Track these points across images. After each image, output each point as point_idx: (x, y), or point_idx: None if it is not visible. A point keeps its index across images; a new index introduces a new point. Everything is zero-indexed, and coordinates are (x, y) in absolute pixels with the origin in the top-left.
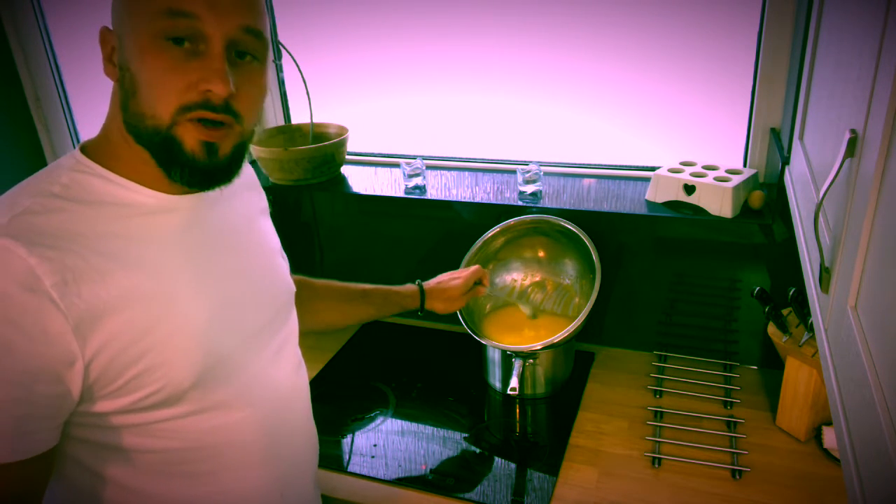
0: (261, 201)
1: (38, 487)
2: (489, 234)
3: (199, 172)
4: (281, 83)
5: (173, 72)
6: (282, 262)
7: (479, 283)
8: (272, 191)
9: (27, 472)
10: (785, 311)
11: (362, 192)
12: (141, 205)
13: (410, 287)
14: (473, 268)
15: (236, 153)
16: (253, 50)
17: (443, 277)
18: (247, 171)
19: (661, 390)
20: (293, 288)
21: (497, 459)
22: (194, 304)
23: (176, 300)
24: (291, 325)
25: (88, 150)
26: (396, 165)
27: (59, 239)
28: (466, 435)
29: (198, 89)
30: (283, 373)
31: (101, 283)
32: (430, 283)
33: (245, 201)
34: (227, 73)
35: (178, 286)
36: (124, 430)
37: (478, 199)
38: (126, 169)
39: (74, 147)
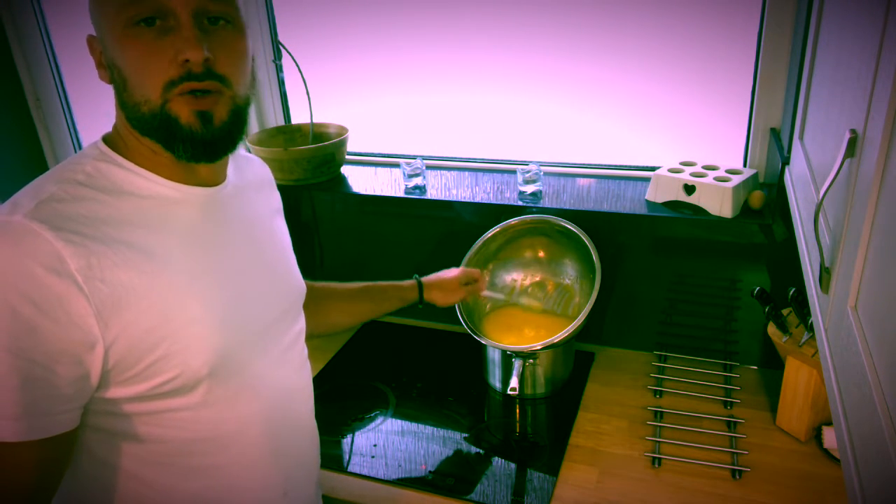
0: (276, 200)
1: (55, 472)
2: (489, 234)
3: (200, 144)
4: (281, 83)
5: (151, 52)
6: (294, 261)
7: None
8: None
9: (46, 453)
10: (785, 311)
11: (362, 192)
12: (161, 195)
13: (408, 281)
14: (470, 269)
15: (234, 119)
16: (223, 14)
17: (438, 273)
18: (264, 168)
19: (661, 390)
20: (304, 287)
21: (497, 459)
22: (211, 294)
23: (193, 289)
24: (301, 324)
25: (109, 142)
26: (396, 165)
27: (84, 225)
28: (466, 435)
29: (177, 62)
30: (289, 370)
31: (124, 269)
32: (427, 277)
33: (261, 198)
34: (198, 39)
35: (196, 276)
36: (136, 417)
37: (478, 199)
38: (141, 160)
39: (74, 147)
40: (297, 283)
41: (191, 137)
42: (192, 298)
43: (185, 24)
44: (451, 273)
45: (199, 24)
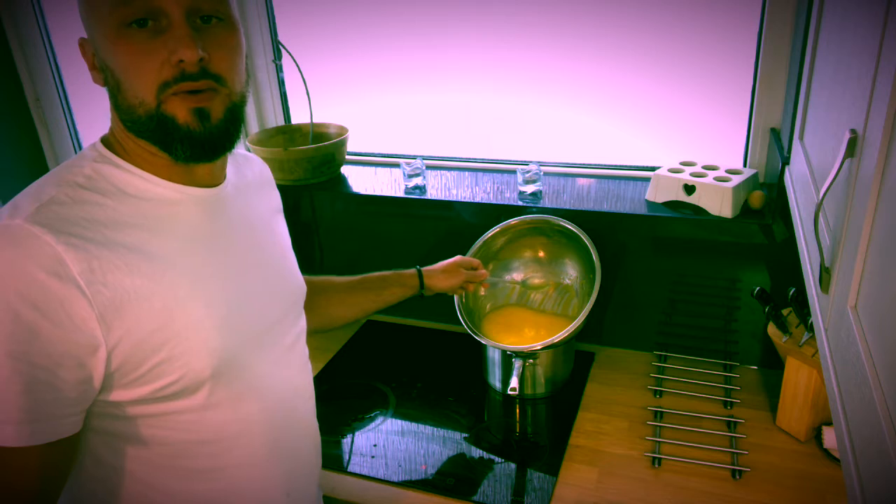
0: (276, 199)
1: (59, 476)
2: (489, 234)
3: (198, 143)
4: (281, 83)
5: (144, 53)
6: (294, 260)
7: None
8: None
9: (49, 457)
10: (785, 311)
11: (362, 192)
12: (161, 197)
13: (407, 270)
14: (470, 258)
15: (230, 116)
16: (214, 11)
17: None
18: (264, 168)
19: (661, 390)
20: (304, 287)
21: (497, 459)
22: (213, 296)
23: (196, 291)
24: (302, 324)
25: (107, 144)
26: (396, 165)
27: (85, 228)
28: (466, 435)
29: (171, 63)
30: (291, 371)
31: (126, 271)
32: (426, 267)
33: (261, 198)
34: (192, 38)
35: (198, 277)
36: (139, 420)
37: (478, 199)
38: (140, 162)
39: (74, 147)
40: (297, 282)
41: (189, 136)
42: (195, 300)
43: (178, 23)
44: (451, 259)
45: (192, 23)
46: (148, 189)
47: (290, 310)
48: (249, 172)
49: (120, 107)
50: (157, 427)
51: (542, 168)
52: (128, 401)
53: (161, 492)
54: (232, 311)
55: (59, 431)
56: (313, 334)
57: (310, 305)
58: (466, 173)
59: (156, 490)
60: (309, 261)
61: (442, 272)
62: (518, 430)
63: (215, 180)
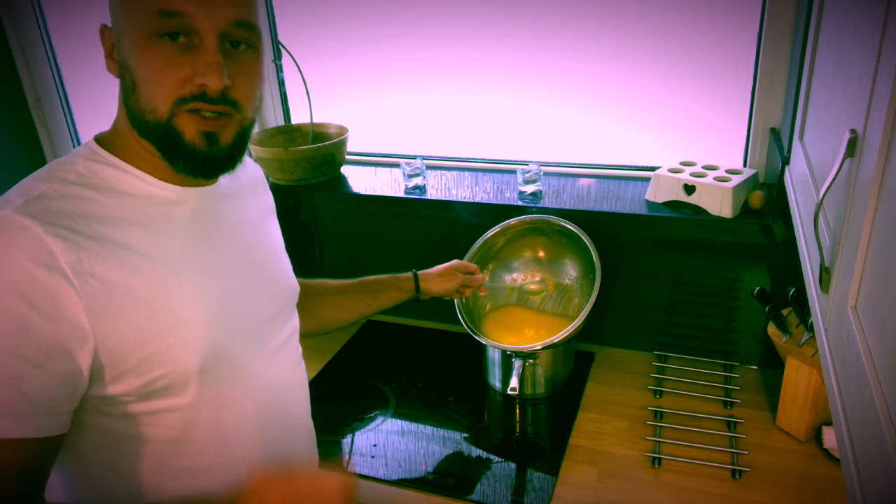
0: (269, 201)
1: (44, 466)
2: (489, 234)
3: (201, 162)
4: (281, 83)
5: (169, 67)
6: (287, 261)
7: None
8: (272, 191)
9: (31, 455)
10: (785, 311)
11: (362, 192)
12: (153, 195)
13: (404, 273)
14: (467, 262)
15: (238, 141)
16: (246, 39)
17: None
18: (257, 170)
19: (661, 390)
20: (297, 287)
21: (497, 459)
22: (201, 293)
23: (184, 287)
24: (294, 324)
25: (102, 141)
26: (396, 165)
27: (74, 222)
28: (466, 435)
29: (193, 82)
30: (284, 369)
31: (114, 266)
32: (423, 270)
33: (254, 199)
34: (221, 66)
35: (187, 274)
36: (130, 418)
37: (478, 199)
38: (137, 160)
39: (74, 147)
40: (290, 283)
41: (192, 154)
42: (182, 296)
43: (210, 48)
44: (447, 263)
45: (223, 47)
46: (141, 187)
47: (282, 310)
48: (243, 174)
49: (130, 107)
50: (148, 425)
51: (542, 168)
52: (118, 395)
53: (153, 490)
54: (221, 309)
55: (46, 427)
56: (309, 337)
57: (305, 308)
58: (466, 173)
59: (148, 489)
60: (309, 261)
61: (438, 276)
62: (518, 430)
63: (208, 181)
